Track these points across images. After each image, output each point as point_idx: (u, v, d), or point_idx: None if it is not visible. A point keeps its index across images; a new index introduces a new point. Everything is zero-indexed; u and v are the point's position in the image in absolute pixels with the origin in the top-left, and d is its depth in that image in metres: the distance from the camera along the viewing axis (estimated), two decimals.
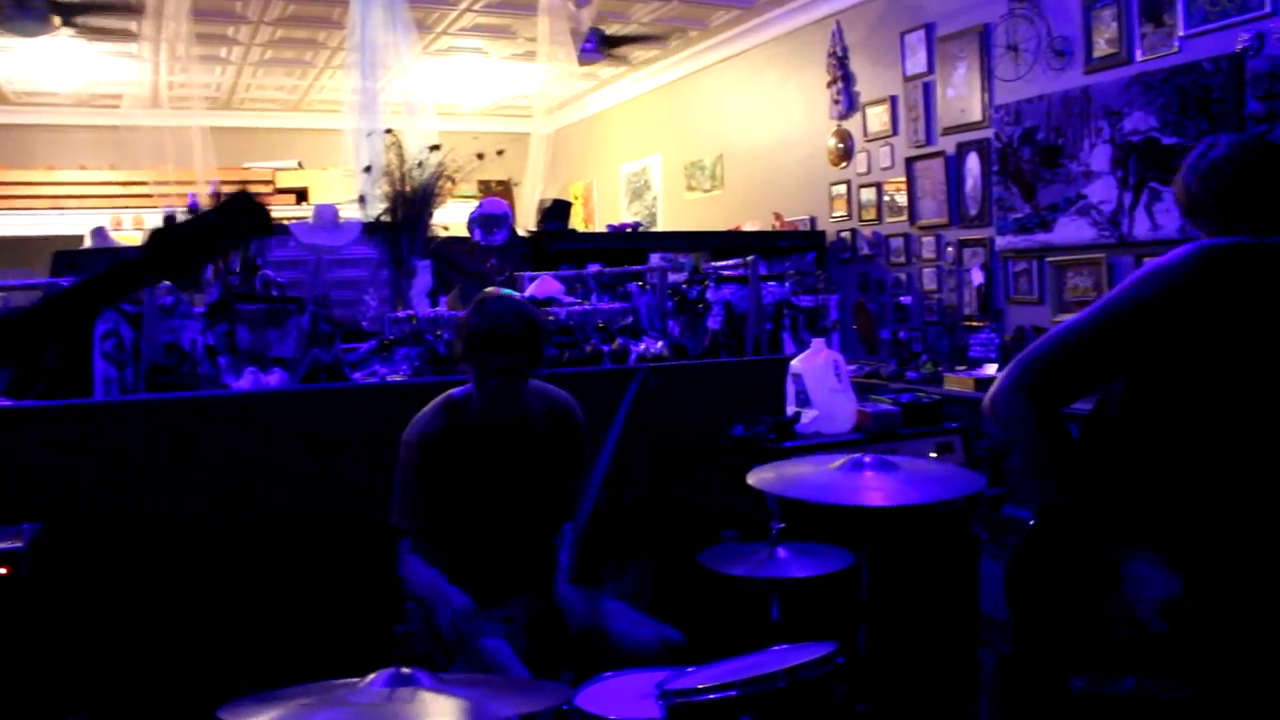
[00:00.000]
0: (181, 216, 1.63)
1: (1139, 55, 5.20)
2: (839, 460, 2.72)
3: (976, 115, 6.26)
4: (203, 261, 1.65)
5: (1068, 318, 1.73)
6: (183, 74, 8.42)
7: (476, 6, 8.02)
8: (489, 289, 2.90)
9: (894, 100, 7.00)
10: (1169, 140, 5.00)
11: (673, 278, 5.28)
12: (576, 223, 10.12)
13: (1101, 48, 5.39)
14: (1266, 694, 1.56)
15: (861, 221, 7.40)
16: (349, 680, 1.76)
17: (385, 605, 2.90)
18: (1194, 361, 1.58)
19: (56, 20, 6.68)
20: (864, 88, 7.33)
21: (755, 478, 2.74)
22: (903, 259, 7.00)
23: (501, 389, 2.77)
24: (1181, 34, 4.96)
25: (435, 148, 5.61)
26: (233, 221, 1.64)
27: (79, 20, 6.96)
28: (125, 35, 7.68)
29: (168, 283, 1.67)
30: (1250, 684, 1.56)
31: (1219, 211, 2.20)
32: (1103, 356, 1.65)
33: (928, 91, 6.69)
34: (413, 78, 7.27)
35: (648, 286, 5.08)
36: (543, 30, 7.97)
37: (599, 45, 7.97)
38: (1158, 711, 1.56)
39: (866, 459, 2.69)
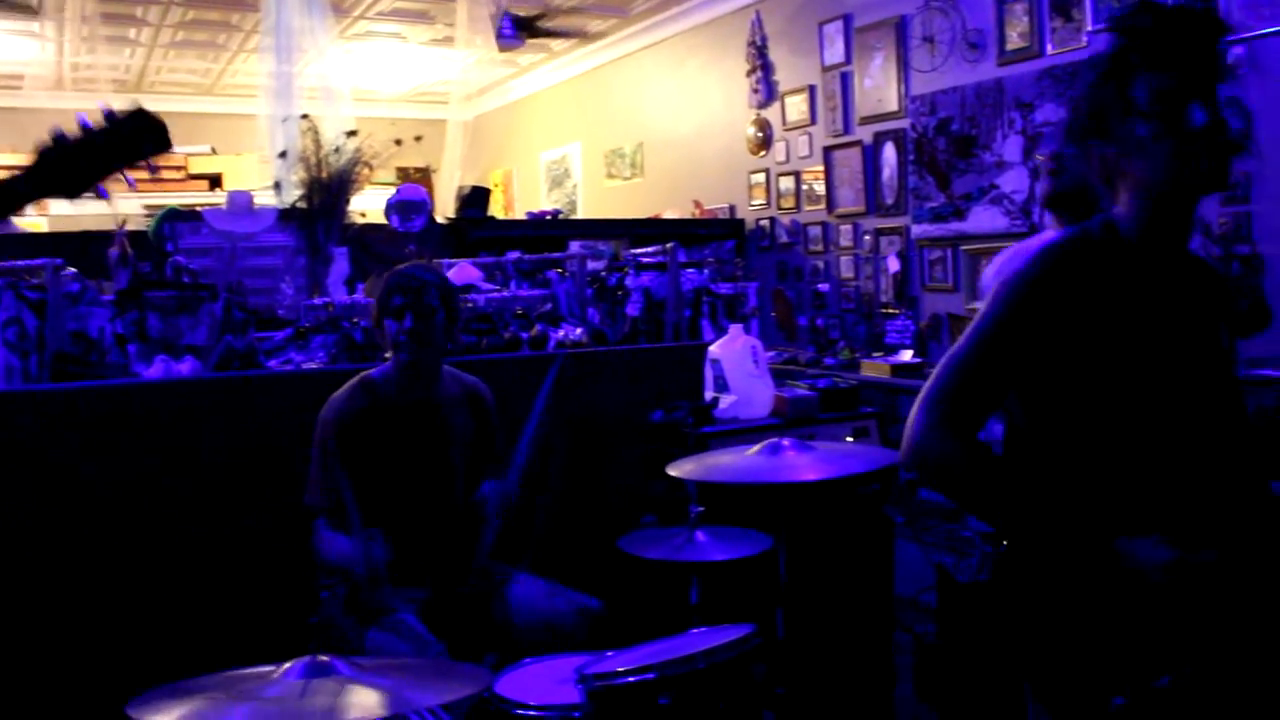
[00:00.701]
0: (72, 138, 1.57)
1: (1049, 49, 5.31)
2: (757, 446, 2.75)
3: (893, 105, 6.35)
4: (94, 178, 1.59)
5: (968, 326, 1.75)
6: (89, 55, 8.19)
7: None
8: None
9: (812, 90, 7.07)
10: None
11: (592, 265, 5.28)
12: (496, 210, 10.06)
13: (1014, 41, 5.50)
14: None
15: (780, 210, 7.46)
16: (265, 669, 1.74)
17: (299, 597, 2.86)
18: (1064, 356, 1.64)
19: None
20: (783, 77, 7.39)
21: (677, 469, 2.75)
22: (820, 247, 7.07)
23: (417, 336, 2.77)
24: (1090, 29, 5.07)
25: (352, 133, 5.53)
26: (129, 138, 1.58)
27: None
28: (26, 12, 7.43)
29: (56, 199, 1.60)
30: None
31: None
32: (995, 373, 1.69)
33: (845, 81, 6.76)
34: (329, 62, 7.17)
35: (567, 274, 5.07)
36: (461, 16, 7.91)
37: (518, 31, 7.92)
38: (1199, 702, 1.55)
39: (785, 442, 2.72)
